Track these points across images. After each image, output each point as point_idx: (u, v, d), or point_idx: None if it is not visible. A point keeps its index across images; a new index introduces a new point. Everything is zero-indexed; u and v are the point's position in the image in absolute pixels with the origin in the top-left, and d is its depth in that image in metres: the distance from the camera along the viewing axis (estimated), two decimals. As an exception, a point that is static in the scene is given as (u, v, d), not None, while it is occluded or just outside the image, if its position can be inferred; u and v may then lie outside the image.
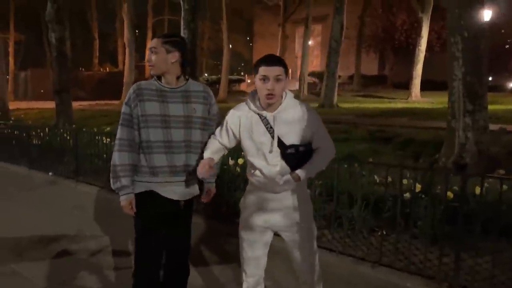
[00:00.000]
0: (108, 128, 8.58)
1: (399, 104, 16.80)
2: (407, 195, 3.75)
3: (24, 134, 8.06)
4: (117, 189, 2.16)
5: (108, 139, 6.14)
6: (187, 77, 2.26)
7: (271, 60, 2.04)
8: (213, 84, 30.13)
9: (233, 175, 4.54)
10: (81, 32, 37.79)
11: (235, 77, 35.79)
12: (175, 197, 2.22)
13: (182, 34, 8.88)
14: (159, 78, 2.20)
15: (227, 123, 2.18)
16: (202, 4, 8.68)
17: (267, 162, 2.06)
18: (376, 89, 27.69)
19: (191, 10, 8.83)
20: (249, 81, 36.18)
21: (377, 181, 4.23)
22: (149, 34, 34.76)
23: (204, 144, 2.25)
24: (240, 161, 4.50)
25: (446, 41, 5.47)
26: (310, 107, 2.20)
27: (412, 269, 3.26)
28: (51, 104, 15.02)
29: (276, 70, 2.01)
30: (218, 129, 2.23)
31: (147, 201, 2.17)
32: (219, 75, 30.19)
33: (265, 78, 2.01)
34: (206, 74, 37.11)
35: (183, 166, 2.19)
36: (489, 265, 3.17)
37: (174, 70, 2.17)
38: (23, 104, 24.60)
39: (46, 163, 7.26)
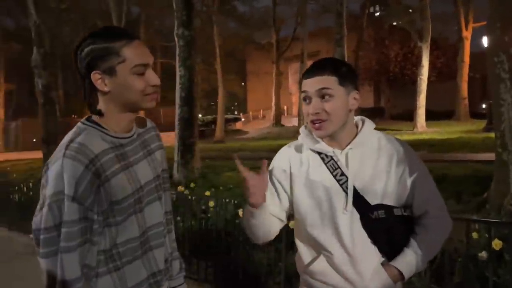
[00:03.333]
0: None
1: (407, 136, 16.06)
2: (482, 254, 2.93)
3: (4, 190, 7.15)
4: None
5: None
6: None
7: (312, 67, 1.23)
8: (209, 124, 29.92)
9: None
10: (74, 79, 37.59)
11: (231, 116, 35.62)
12: None
13: (177, 72, 8.37)
14: (90, 120, 1.18)
15: (270, 175, 1.33)
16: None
17: (339, 238, 1.21)
18: (374, 121, 27.04)
19: (187, 46, 8.32)
20: (243, 119, 36.07)
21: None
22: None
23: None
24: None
25: (487, 62, 4.75)
26: (405, 143, 1.35)
27: None
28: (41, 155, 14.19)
29: (319, 81, 1.19)
30: None
31: None
32: (214, 115, 29.94)
33: (306, 97, 1.22)
34: (200, 115, 36.79)
35: (164, 266, 1.25)
36: None
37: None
38: (13, 155, 23.70)
39: (28, 224, 6.24)
